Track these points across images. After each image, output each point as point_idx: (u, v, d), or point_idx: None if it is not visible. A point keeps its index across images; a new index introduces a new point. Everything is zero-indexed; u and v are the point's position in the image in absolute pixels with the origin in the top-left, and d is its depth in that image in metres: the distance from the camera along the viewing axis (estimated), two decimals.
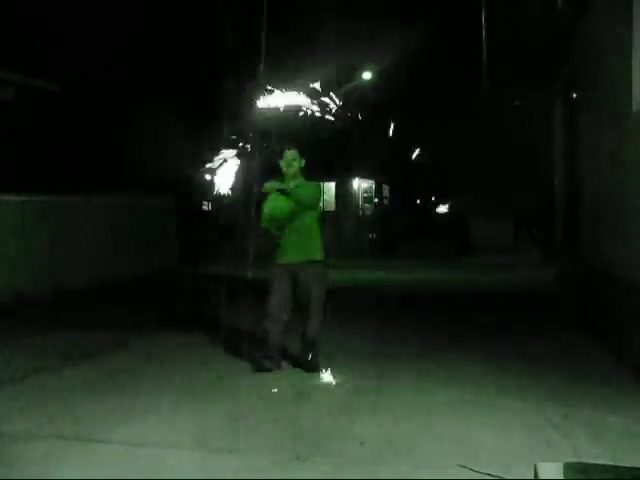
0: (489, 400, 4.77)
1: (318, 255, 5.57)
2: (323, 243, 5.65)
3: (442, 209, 33.21)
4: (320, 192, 5.89)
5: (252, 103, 5.86)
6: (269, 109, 6.01)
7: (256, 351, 5.84)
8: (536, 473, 3.05)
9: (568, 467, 3.04)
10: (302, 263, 5.49)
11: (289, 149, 5.62)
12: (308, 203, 5.55)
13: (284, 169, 5.61)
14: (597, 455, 3.56)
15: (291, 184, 5.59)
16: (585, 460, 3.31)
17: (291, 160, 5.59)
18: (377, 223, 25.28)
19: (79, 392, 5.05)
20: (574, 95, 8.93)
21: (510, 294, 10.87)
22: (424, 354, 6.34)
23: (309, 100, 5.75)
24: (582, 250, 8.17)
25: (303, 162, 5.68)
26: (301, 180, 5.67)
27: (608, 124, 6.64)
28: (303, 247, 5.50)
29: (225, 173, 6.10)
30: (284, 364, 5.75)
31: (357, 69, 24.26)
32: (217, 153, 6.10)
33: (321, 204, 5.89)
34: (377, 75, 24.63)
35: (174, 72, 17.30)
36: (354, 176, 27.44)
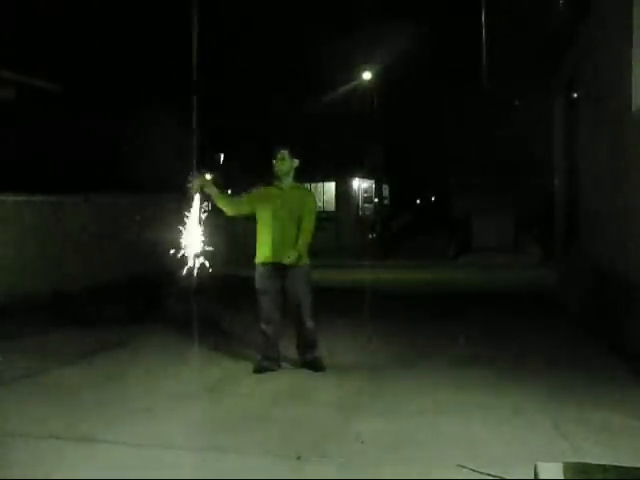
0: (489, 400, 4.77)
1: (303, 258, 5.52)
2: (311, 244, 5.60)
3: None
4: (315, 203, 5.86)
5: None
6: None
7: (255, 351, 5.85)
8: (536, 473, 3.05)
9: (568, 467, 3.04)
10: (287, 265, 5.45)
11: (280, 149, 5.62)
12: (309, 225, 5.52)
13: (275, 168, 5.62)
14: (597, 455, 3.56)
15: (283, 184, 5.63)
16: (585, 460, 3.31)
17: (280, 159, 5.59)
18: (377, 223, 25.28)
19: (79, 392, 5.05)
20: (574, 95, 8.93)
21: (510, 294, 10.87)
22: (424, 354, 6.34)
23: None
24: (582, 250, 8.17)
25: (296, 162, 5.66)
26: (291, 182, 5.67)
27: (608, 124, 6.64)
28: (287, 250, 5.43)
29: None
30: (283, 364, 5.75)
31: (356, 68, 24.26)
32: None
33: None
34: (377, 75, 24.64)
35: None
36: (354, 176, 27.47)
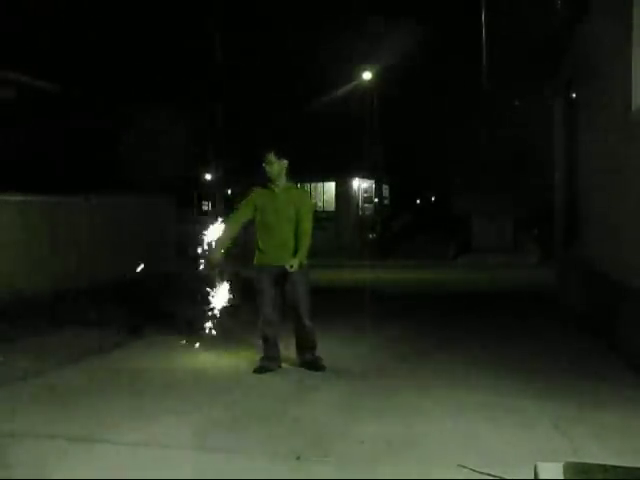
0: (489, 400, 4.77)
1: (305, 259, 5.49)
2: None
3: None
4: (312, 202, 5.85)
5: None
6: None
7: (255, 351, 5.85)
8: (536, 473, 3.05)
9: (568, 467, 3.04)
10: (283, 266, 5.41)
11: (265, 152, 5.60)
12: (308, 227, 5.51)
13: (267, 172, 5.61)
14: (597, 455, 3.56)
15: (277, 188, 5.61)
16: (585, 460, 3.31)
17: (268, 163, 5.55)
18: (377, 223, 25.28)
19: (79, 392, 5.05)
20: (574, 95, 8.93)
21: (509, 294, 10.87)
22: (424, 354, 6.34)
23: None
24: (581, 250, 8.17)
25: (285, 162, 5.60)
26: (285, 183, 5.64)
27: (608, 124, 6.64)
28: (284, 251, 5.45)
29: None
30: (284, 364, 5.76)
31: (356, 69, 24.26)
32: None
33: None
34: (377, 74, 24.65)
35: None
36: (354, 176, 27.47)
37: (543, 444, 3.84)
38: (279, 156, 5.59)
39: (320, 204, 27.89)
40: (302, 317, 5.54)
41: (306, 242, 5.47)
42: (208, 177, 28.17)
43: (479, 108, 22.77)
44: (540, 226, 19.05)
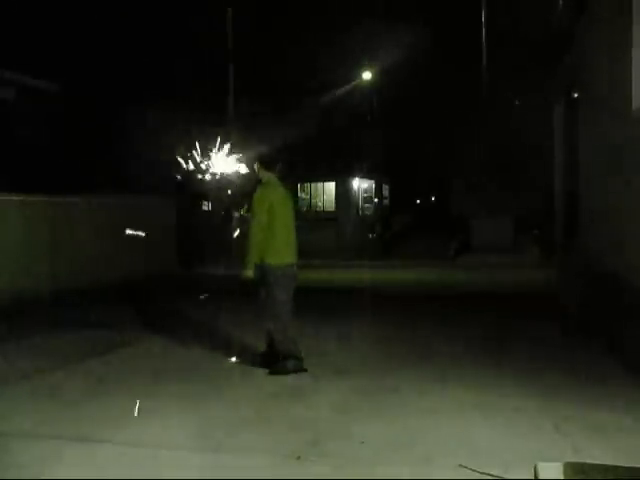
0: (489, 400, 4.77)
1: (266, 258, 5.45)
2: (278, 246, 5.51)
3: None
4: (263, 197, 5.56)
5: None
6: None
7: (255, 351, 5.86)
8: (536, 473, 3.05)
9: (568, 467, 3.04)
10: (258, 264, 5.50)
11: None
12: (252, 224, 5.52)
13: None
14: (597, 455, 3.56)
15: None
16: (585, 460, 3.31)
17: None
18: (377, 223, 25.29)
19: (79, 392, 5.05)
20: (574, 95, 8.93)
21: (509, 294, 10.86)
22: (424, 353, 6.34)
23: None
24: (581, 250, 8.17)
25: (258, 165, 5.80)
26: (265, 178, 5.74)
27: (608, 123, 6.64)
28: (257, 248, 5.49)
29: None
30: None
31: (356, 69, 24.26)
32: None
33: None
34: (377, 75, 24.66)
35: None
36: (354, 176, 27.47)
37: (543, 444, 3.85)
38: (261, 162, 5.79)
39: (320, 204, 27.88)
40: (267, 320, 5.53)
41: (248, 245, 5.46)
42: (208, 177, 28.15)
43: (480, 108, 22.78)
44: (540, 226, 19.06)
